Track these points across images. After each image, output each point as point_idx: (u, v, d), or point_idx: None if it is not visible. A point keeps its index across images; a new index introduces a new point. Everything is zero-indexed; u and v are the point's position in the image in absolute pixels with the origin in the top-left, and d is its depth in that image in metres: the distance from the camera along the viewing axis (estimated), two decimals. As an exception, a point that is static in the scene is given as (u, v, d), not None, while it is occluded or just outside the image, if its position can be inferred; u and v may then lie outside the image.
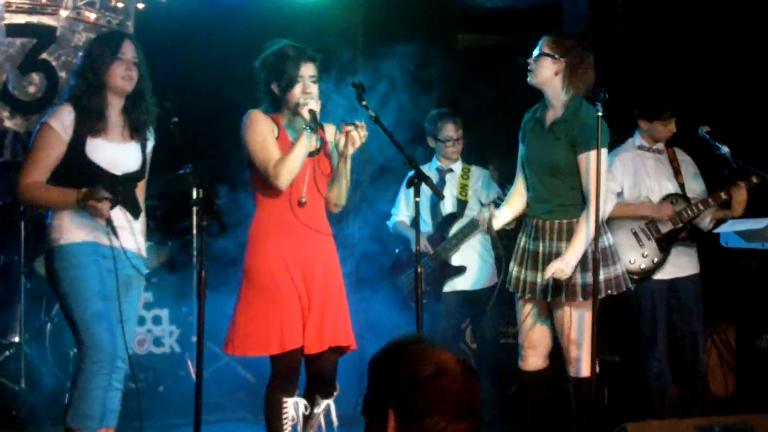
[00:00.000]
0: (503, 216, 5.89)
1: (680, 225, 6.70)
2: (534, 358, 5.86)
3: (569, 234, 5.62)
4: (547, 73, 5.60)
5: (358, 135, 5.20)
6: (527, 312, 5.80)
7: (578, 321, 5.63)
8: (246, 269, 5.32)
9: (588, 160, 5.51)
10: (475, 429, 2.66)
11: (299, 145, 5.16)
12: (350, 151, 5.23)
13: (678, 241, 6.76)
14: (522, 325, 5.84)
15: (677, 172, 6.86)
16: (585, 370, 5.69)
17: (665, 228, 6.71)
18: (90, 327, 5.03)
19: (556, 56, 5.58)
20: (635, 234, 6.74)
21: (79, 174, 5.08)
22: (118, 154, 5.18)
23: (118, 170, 5.17)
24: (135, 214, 5.28)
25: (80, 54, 5.38)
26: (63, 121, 5.07)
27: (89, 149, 5.09)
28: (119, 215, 5.17)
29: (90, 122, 5.10)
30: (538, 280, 5.66)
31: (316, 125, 5.17)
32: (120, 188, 5.16)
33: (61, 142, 5.06)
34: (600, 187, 5.44)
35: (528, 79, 5.65)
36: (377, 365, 2.69)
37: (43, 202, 5.19)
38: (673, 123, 6.77)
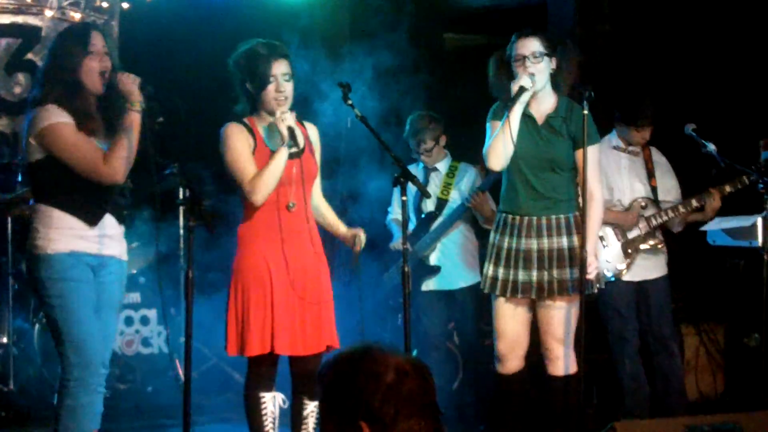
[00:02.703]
0: None
1: (648, 230, 6.71)
2: (515, 361, 5.81)
3: (568, 229, 5.64)
4: (547, 73, 5.61)
5: (361, 241, 5.42)
6: (511, 314, 5.73)
7: (566, 317, 5.62)
8: (234, 270, 5.31)
9: (594, 154, 5.61)
10: (439, 423, 2.64)
11: (275, 162, 5.14)
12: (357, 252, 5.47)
13: (645, 247, 6.76)
14: (504, 329, 5.77)
15: (651, 175, 6.86)
16: (573, 366, 5.69)
17: (633, 233, 6.72)
18: (80, 345, 4.92)
19: (551, 55, 5.59)
20: (601, 238, 6.70)
21: (74, 178, 4.93)
22: None
23: None
24: (121, 219, 5.19)
25: (48, 52, 5.14)
26: (66, 118, 4.87)
27: None
28: (108, 224, 5.08)
29: (86, 123, 4.93)
30: (535, 279, 5.63)
31: (294, 143, 5.18)
32: (108, 195, 5.07)
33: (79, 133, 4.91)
34: (598, 180, 5.68)
35: (527, 83, 5.49)
36: (335, 382, 2.64)
37: (129, 149, 4.90)
38: (649, 131, 6.81)
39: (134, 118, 4.92)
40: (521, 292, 5.66)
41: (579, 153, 5.59)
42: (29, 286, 5.13)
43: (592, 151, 5.58)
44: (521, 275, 5.65)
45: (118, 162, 4.89)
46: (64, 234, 4.94)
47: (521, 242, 5.67)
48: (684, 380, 7.12)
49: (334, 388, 2.64)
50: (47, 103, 4.91)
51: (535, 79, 5.52)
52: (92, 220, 5.01)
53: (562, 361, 5.67)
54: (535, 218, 5.64)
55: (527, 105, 5.62)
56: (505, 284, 5.70)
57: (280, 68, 5.22)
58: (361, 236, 5.42)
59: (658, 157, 6.95)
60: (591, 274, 5.52)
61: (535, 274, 5.63)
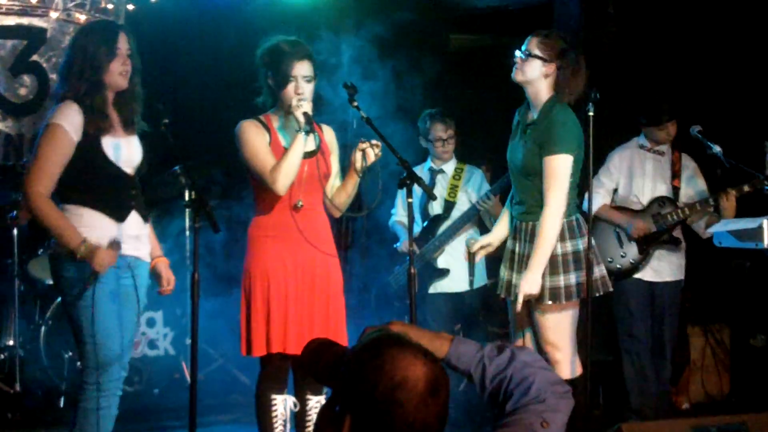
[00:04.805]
0: (495, 234, 5.86)
1: (663, 228, 6.73)
2: None
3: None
4: (534, 74, 5.46)
5: (373, 153, 5.22)
6: (514, 314, 5.70)
7: (554, 322, 5.52)
8: (244, 271, 5.33)
9: (551, 163, 5.39)
10: None
11: (294, 148, 5.16)
12: (366, 166, 5.25)
13: (660, 245, 6.79)
14: (511, 328, 5.78)
15: (675, 176, 6.88)
16: (566, 372, 5.59)
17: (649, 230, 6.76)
18: (101, 346, 4.90)
19: (547, 59, 5.45)
20: (617, 234, 6.81)
21: (98, 177, 4.95)
22: (126, 149, 5.05)
23: (130, 167, 5.07)
24: (145, 218, 5.18)
25: (71, 47, 5.11)
26: (73, 121, 4.89)
27: (106, 149, 4.96)
28: (134, 222, 5.08)
29: (97, 121, 4.94)
30: (514, 281, 5.58)
31: (311, 128, 5.17)
32: (134, 192, 5.10)
33: (71, 144, 4.89)
34: (561, 191, 5.38)
35: (512, 75, 5.52)
36: (352, 362, 2.58)
37: (48, 221, 4.85)
38: (670, 127, 6.84)
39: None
40: (505, 291, 5.65)
41: (543, 161, 5.41)
42: (56, 287, 5.09)
43: (554, 161, 5.39)
44: (510, 276, 5.63)
45: (41, 210, 4.85)
46: (92, 233, 4.91)
47: (512, 244, 5.65)
48: (669, 384, 7.12)
49: (347, 365, 2.59)
50: (67, 99, 4.95)
51: (519, 75, 5.50)
52: (120, 216, 5.01)
53: (562, 365, 5.58)
54: (518, 222, 5.61)
55: (526, 110, 5.61)
56: (500, 283, 5.71)
57: (301, 70, 5.24)
58: (368, 150, 5.23)
59: (687, 161, 6.98)
60: (519, 296, 5.39)
61: (515, 276, 5.59)
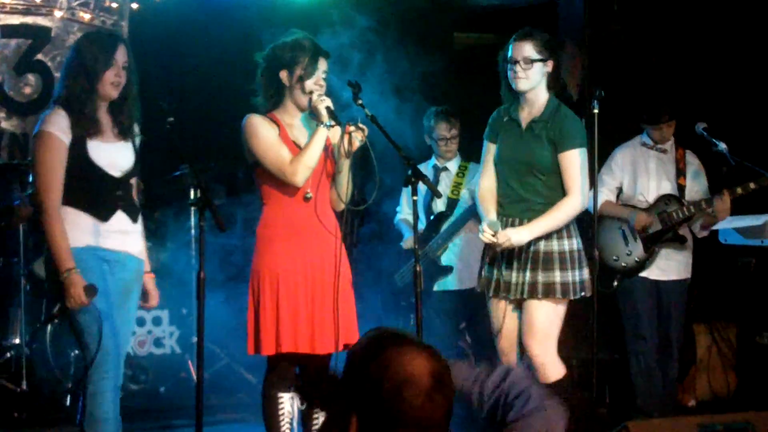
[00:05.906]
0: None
1: (668, 226, 6.73)
2: (514, 357, 5.76)
3: (556, 233, 5.55)
4: (539, 77, 5.52)
5: (360, 136, 5.22)
6: (503, 313, 5.69)
7: (550, 317, 5.52)
8: (252, 270, 5.33)
9: (572, 158, 5.46)
10: None
11: (316, 141, 5.19)
12: (351, 150, 5.26)
13: (665, 243, 6.78)
14: (501, 326, 5.73)
15: (680, 174, 6.87)
16: (554, 373, 5.55)
17: (653, 228, 6.74)
18: (97, 334, 4.96)
19: (545, 58, 5.50)
20: (622, 232, 6.81)
21: (81, 178, 5.03)
22: (115, 154, 5.13)
23: (118, 171, 5.13)
24: (134, 218, 5.25)
25: (72, 51, 5.21)
26: (60, 125, 4.99)
27: (91, 152, 5.04)
28: (120, 220, 5.16)
29: (84, 125, 5.03)
30: (514, 279, 5.56)
31: (336, 122, 5.19)
32: (120, 193, 5.15)
33: (64, 147, 4.99)
34: (584, 184, 5.47)
35: (516, 86, 5.52)
36: (356, 363, 2.59)
37: (52, 237, 4.96)
38: (665, 127, 6.86)
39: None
40: (503, 290, 5.62)
41: (561, 156, 5.49)
42: (51, 283, 5.14)
43: (574, 155, 5.47)
44: (504, 275, 5.61)
45: (50, 226, 4.96)
46: (77, 229, 5.03)
47: None
48: (675, 383, 7.12)
49: (350, 364, 2.60)
50: (58, 105, 5.06)
51: (526, 83, 5.51)
52: (104, 215, 5.11)
53: (549, 367, 5.53)
54: (517, 220, 5.59)
55: (519, 108, 5.61)
56: (489, 282, 5.69)
57: (323, 66, 5.31)
58: (354, 134, 5.24)
59: (691, 158, 6.98)
60: (503, 240, 5.43)
61: (514, 275, 5.57)
